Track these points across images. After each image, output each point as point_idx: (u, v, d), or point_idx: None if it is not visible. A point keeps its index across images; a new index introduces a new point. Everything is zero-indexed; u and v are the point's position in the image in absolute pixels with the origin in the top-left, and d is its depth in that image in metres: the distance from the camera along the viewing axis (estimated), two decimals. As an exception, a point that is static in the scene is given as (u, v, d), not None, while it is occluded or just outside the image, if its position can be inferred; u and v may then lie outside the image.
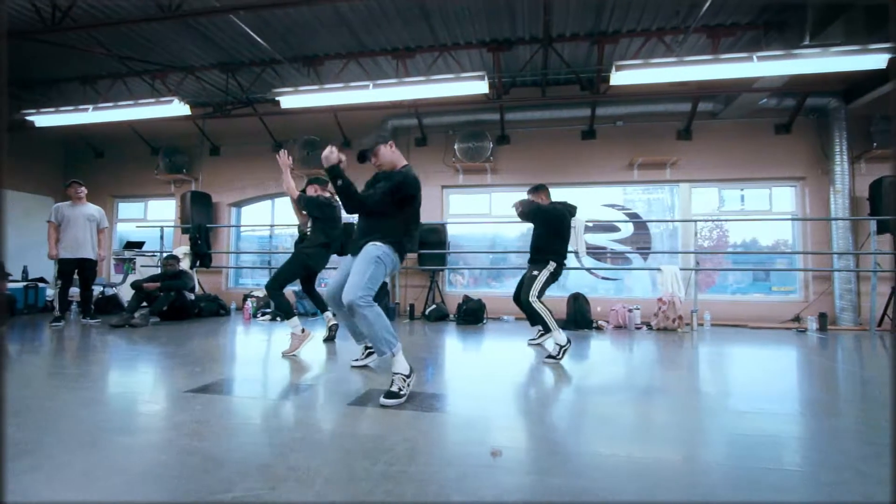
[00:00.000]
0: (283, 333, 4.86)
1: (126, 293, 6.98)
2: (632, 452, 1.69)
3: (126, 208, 8.79)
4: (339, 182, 2.50)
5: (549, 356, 3.46)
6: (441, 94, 5.34)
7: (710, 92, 5.97)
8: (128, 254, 7.82)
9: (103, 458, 1.57)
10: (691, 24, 4.93)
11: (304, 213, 4.08)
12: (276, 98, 5.77)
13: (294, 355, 3.55)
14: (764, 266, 6.70)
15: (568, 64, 5.85)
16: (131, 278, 7.07)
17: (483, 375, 3.12)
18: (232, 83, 6.73)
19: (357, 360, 3.20)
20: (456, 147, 6.90)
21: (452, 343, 4.52)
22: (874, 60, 4.43)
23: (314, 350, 3.85)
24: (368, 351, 3.18)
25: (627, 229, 6.86)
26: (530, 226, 4.01)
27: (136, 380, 2.86)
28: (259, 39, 5.30)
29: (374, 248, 2.53)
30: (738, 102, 5.98)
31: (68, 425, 1.90)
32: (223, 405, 2.26)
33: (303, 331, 3.67)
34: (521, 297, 3.78)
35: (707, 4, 4.24)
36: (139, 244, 7.99)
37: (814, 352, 4.23)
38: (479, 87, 5.18)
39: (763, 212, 6.58)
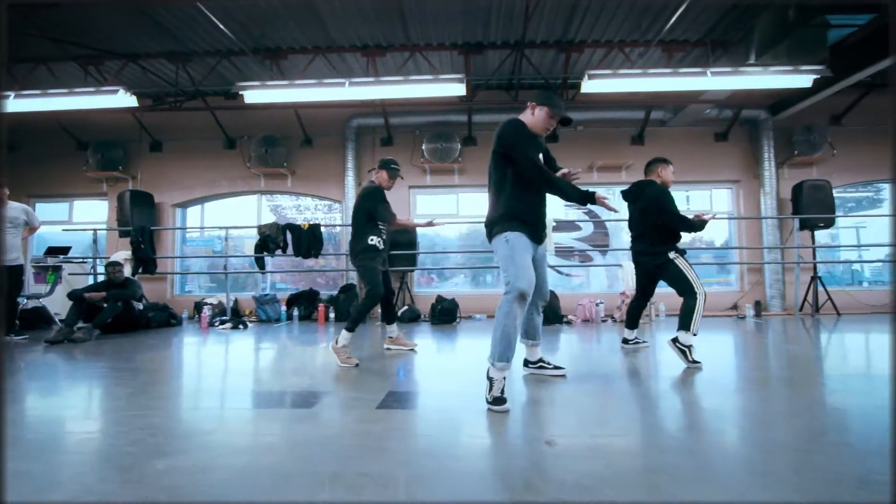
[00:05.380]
0: (255, 342, 4.61)
1: (54, 305, 6.20)
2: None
3: (47, 209, 7.75)
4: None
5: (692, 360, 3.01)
6: (417, 94, 5.32)
7: (662, 102, 6.48)
8: (51, 261, 6.92)
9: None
10: (652, 39, 5.33)
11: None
12: (239, 92, 5.41)
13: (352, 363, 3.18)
14: (702, 261, 7.39)
15: (539, 70, 6.07)
16: (60, 288, 6.29)
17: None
18: (182, 74, 6.21)
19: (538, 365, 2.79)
20: (424, 147, 6.88)
21: (456, 344, 4.51)
22: (803, 80, 5.08)
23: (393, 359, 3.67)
24: (541, 363, 2.79)
25: (588, 228, 7.24)
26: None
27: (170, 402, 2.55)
28: (223, 28, 4.94)
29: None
30: (685, 112, 6.54)
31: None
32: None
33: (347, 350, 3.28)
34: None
35: (673, 20, 4.61)
36: (64, 249, 7.10)
37: (769, 334, 4.74)
38: (456, 89, 5.22)
39: (705, 212, 7.25)
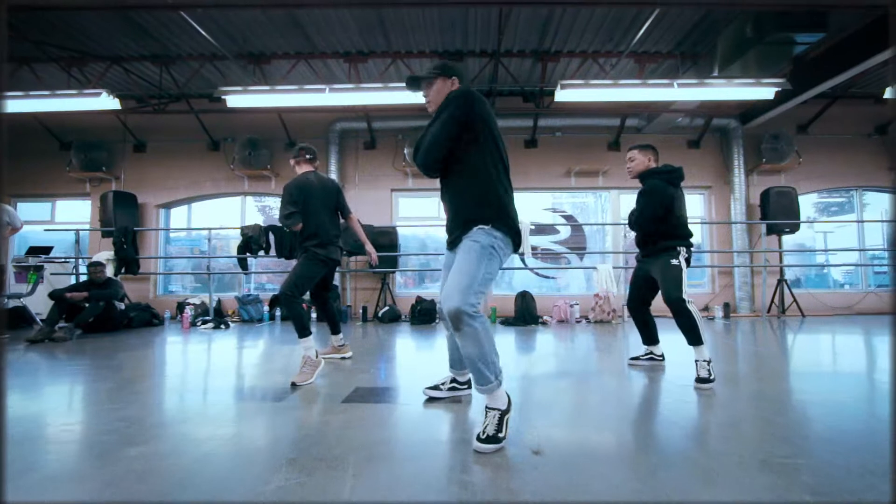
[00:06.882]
0: (246, 341, 4.71)
1: (36, 306, 6.23)
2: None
3: (29, 209, 7.76)
4: None
5: (703, 380, 2.63)
6: (396, 101, 5.46)
7: (637, 110, 6.71)
8: (32, 260, 6.94)
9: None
10: (623, 50, 5.54)
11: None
12: (221, 96, 5.51)
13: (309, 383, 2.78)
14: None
15: (515, 78, 6.26)
16: (41, 288, 6.32)
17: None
18: (166, 77, 6.29)
19: (436, 387, 2.43)
20: (406, 151, 7.03)
21: (434, 343, 4.66)
22: (765, 92, 5.33)
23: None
24: (453, 384, 2.41)
25: (566, 232, 7.45)
26: None
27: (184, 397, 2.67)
28: (205, 34, 5.03)
29: (486, 235, 1.85)
30: (658, 120, 6.78)
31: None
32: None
33: (317, 354, 2.94)
34: (669, 296, 2.87)
35: (640, 33, 4.81)
36: (46, 249, 7.12)
37: (737, 335, 4.96)
38: (435, 95, 5.36)
39: (678, 216, 7.49)
